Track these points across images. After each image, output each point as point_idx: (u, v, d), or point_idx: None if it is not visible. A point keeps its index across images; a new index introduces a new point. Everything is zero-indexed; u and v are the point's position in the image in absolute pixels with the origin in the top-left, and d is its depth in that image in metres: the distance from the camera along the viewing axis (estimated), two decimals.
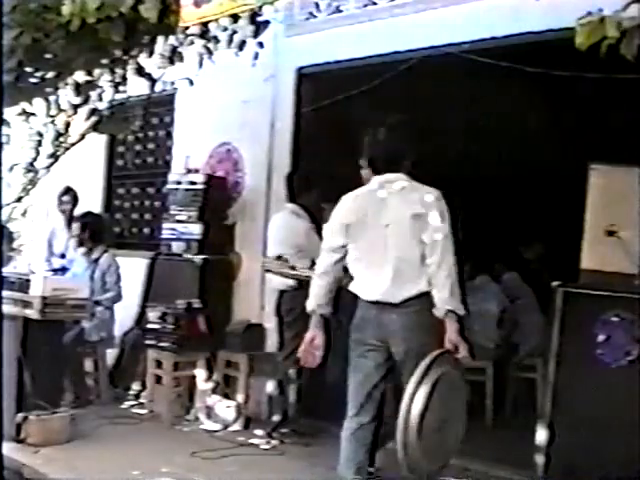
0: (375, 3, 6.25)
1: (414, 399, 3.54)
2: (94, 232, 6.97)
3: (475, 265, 6.68)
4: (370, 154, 4.07)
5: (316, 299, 3.97)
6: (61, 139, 7.07)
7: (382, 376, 3.91)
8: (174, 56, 6.60)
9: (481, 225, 7.69)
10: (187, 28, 6.20)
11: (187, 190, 7.08)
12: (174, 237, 7.08)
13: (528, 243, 7.51)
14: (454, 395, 3.78)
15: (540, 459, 4.68)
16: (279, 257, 5.62)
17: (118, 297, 6.92)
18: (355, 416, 3.93)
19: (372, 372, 3.91)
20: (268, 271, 5.81)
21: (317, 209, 5.97)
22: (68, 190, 7.70)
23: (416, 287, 3.80)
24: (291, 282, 5.78)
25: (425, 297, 3.80)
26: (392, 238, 3.83)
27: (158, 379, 6.43)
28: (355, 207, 3.95)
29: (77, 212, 7.58)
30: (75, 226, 7.10)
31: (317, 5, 6.65)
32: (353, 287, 3.97)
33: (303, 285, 5.75)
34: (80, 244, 6.99)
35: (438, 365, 3.62)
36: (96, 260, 6.88)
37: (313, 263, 5.86)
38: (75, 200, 7.69)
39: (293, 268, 5.11)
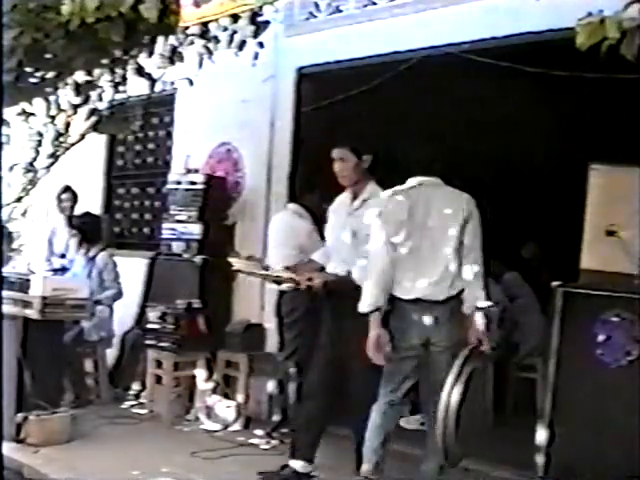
0: (375, 3, 6.25)
1: (452, 394, 3.88)
2: (92, 232, 6.97)
3: None
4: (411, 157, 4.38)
5: (383, 296, 4.09)
6: (61, 139, 7.06)
7: (418, 376, 4.19)
8: (174, 56, 6.59)
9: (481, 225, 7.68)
10: (187, 28, 6.20)
11: (187, 190, 7.08)
12: (174, 237, 7.08)
13: (523, 243, 7.51)
14: (479, 385, 4.28)
15: (540, 459, 4.68)
16: (250, 257, 5.61)
17: (119, 294, 6.92)
18: (393, 406, 4.23)
19: (410, 375, 4.19)
20: (238, 271, 5.75)
21: (319, 209, 5.97)
22: (67, 189, 7.70)
23: (456, 286, 4.09)
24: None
25: (459, 295, 4.11)
26: (438, 240, 4.09)
27: (158, 379, 6.44)
28: (404, 206, 4.14)
29: (76, 211, 7.58)
30: (73, 227, 7.09)
31: (317, 5, 6.65)
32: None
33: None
34: (80, 244, 6.99)
35: (470, 361, 3.94)
36: (93, 259, 6.87)
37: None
38: (74, 199, 7.69)
39: (266, 268, 5.08)
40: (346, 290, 4.35)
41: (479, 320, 4.04)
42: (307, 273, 4.58)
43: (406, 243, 4.11)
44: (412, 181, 4.21)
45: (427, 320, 4.07)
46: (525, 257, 7.43)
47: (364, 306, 4.07)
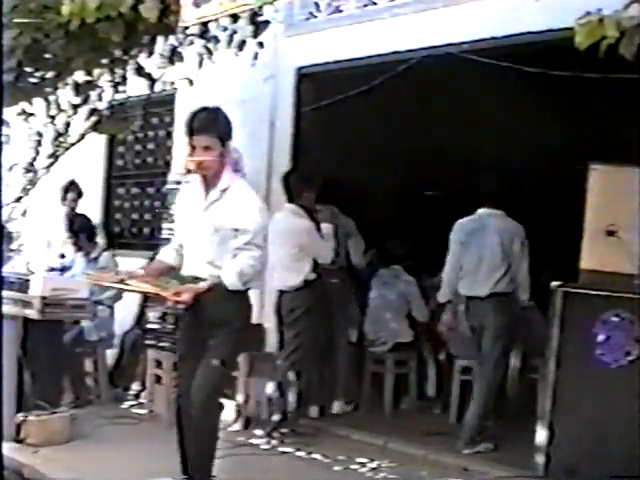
0: (375, 3, 6.25)
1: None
2: (88, 234, 6.95)
3: None
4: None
5: (451, 292, 5.60)
6: (61, 139, 7.06)
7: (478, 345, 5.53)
8: (174, 56, 6.60)
9: None
10: (187, 28, 6.19)
11: None
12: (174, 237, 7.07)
13: None
14: None
15: (540, 459, 4.68)
16: (103, 268, 4.97)
17: (119, 296, 6.91)
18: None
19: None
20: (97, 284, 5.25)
21: (315, 209, 5.99)
22: (72, 184, 7.70)
23: (498, 287, 5.39)
24: (292, 282, 5.79)
25: (506, 294, 5.42)
26: (487, 255, 5.41)
27: (158, 379, 6.43)
28: (463, 230, 5.56)
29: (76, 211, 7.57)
30: (69, 234, 7.04)
31: (317, 5, 6.65)
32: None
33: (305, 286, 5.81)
34: (78, 249, 6.96)
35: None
36: (95, 259, 6.87)
37: (315, 264, 5.88)
38: (79, 194, 7.69)
39: (122, 281, 4.12)
40: (217, 298, 3.91)
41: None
42: (173, 287, 3.94)
43: (467, 255, 5.48)
44: (479, 211, 5.54)
45: (478, 309, 5.42)
46: None
47: (440, 297, 5.72)
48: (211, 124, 3.95)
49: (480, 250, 5.44)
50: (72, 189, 7.67)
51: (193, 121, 3.95)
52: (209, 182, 4.00)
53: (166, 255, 4.29)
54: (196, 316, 3.99)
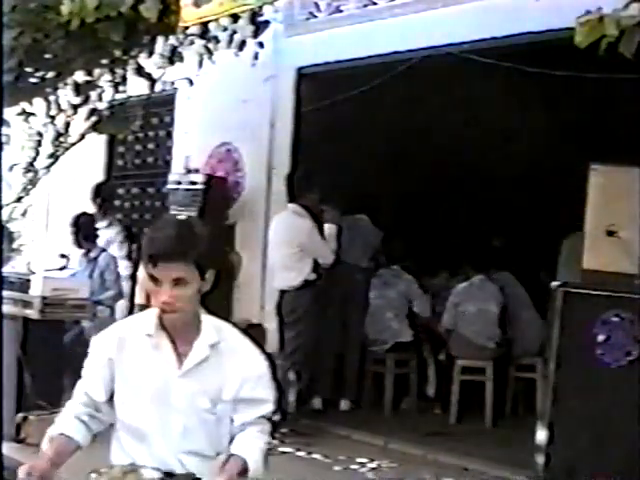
0: (375, 3, 6.25)
1: None
2: (89, 233, 6.94)
3: (472, 265, 6.69)
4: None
5: None
6: (61, 139, 7.06)
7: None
8: (174, 56, 6.60)
9: (478, 225, 7.70)
10: (187, 28, 6.20)
11: (187, 190, 7.07)
12: None
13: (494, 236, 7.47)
14: None
15: (540, 459, 4.67)
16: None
17: (119, 295, 6.91)
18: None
19: None
20: None
21: (318, 210, 5.99)
22: (103, 184, 7.76)
23: None
24: (293, 282, 5.79)
25: None
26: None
27: None
28: (568, 246, 6.16)
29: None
30: (70, 230, 7.03)
31: (317, 5, 6.65)
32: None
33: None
34: (79, 246, 6.96)
35: None
36: (95, 259, 6.86)
37: (316, 264, 5.89)
38: (103, 199, 7.71)
39: None
40: None
41: None
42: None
43: (566, 265, 6.10)
44: (576, 233, 5.81)
45: None
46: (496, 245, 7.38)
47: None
48: (184, 245, 2.49)
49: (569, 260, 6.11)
50: (102, 190, 7.69)
51: (155, 243, 2.51)
52: (178, 331, 2.59)
53: (69, 428, 2.79)
54: None
